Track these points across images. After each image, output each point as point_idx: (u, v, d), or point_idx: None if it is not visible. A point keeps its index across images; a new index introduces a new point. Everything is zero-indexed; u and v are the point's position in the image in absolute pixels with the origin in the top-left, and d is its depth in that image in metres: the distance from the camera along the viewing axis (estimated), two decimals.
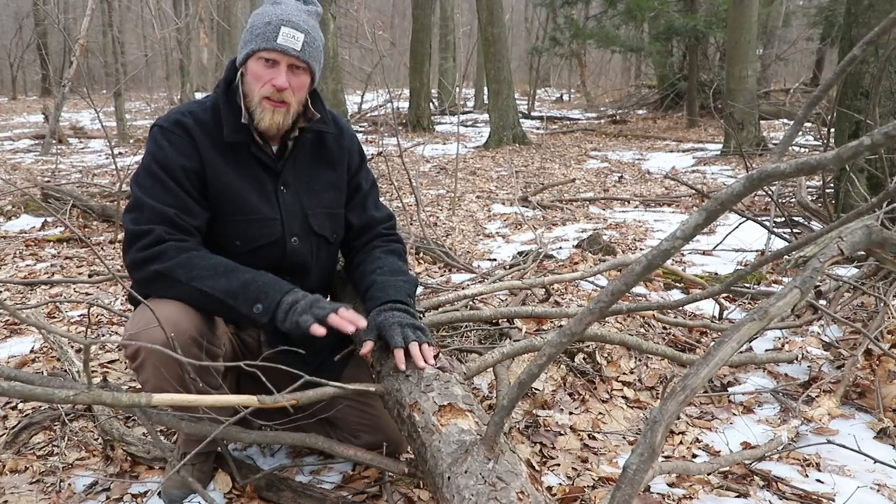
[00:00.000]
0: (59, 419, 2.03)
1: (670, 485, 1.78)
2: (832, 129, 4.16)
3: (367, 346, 1.54)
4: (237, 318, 1.53)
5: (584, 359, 2.44)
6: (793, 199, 4.87)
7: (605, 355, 2.48)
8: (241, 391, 1.84)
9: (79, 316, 3.13)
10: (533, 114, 17.38)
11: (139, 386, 2.15)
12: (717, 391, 2.34)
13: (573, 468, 1.85)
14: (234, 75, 1.66)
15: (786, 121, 12.60)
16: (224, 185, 1.61)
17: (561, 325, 2.38)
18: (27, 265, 4.01)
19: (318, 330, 1.44)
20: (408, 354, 1.47)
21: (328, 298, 1.97)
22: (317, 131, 1.73)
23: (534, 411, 2.13)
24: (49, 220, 5.03)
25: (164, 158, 1.56)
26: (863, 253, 2.94)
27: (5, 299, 3.32)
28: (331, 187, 1.77)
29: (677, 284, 3.41)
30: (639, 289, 3.32)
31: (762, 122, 10.29)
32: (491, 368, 2.09)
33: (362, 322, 1.50)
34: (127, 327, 1.53)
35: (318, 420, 1.69)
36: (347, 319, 1.48)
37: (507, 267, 3.64)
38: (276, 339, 1.74)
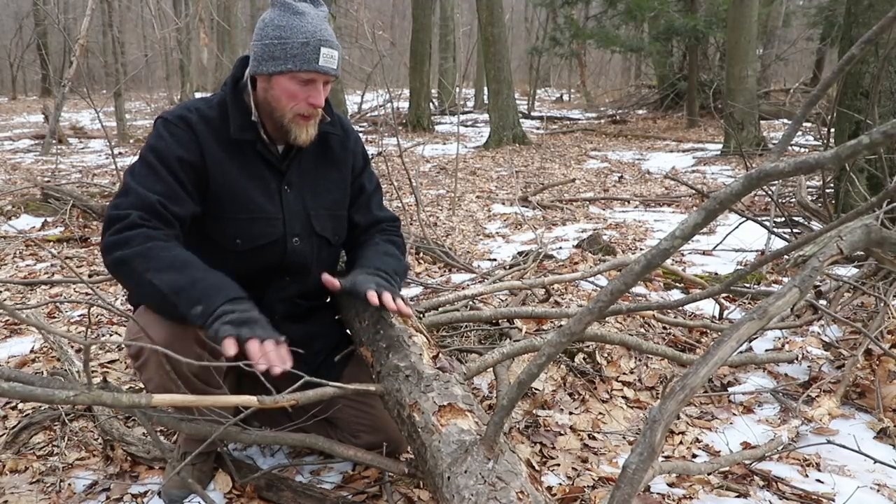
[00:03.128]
0: (59, 419, 2.03)
1: (670, 485, 1.78)
2: (832, 129, 4.16)
3: (334, 283, 1.66)
4: (182, 317, 1.39)
5: (584, 359, 2.44)
6: (793, 199, 4.87)
7: (605, 355, 2.48)
8: (241, 392, 1.84)
9: (79, 316, 3.13)
10: (533, 114, 17.38)
11: (140, 386, 2.16)
12: (717, 391, 2.34)
13: (573, 468, 1.85)
14: (241, 74, 1.65)
15: (786, 121, 12.59)
16: (228, 181, 1.61)
17: (561, 325, 2.38)
18: (27, 265, 4.02)
19: (229, 347, 1.29)
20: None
21: (327, 299, 1.98)
22: (323, 133, 1.73)
23: (534, 411, 2.13)
24: (49, 219, 5.03)
25: (162, 148, 1.55)
26: (862, 253, 2.94)
27: (5, 299, 3.32)
28: (334, 188, 1.78)
29: (677, 284, 3.41)
30: (639, 289, 3.32)
31: (762, 122, 10.29)
32: (491, 368, 2.09)
33: (279, 369, 1.31)
34: (129, 326, 1.52)
35: (318, 420, 1.69)
36: (267, 356, 1.31)
37: (507, 267, 3.64)
38: None
